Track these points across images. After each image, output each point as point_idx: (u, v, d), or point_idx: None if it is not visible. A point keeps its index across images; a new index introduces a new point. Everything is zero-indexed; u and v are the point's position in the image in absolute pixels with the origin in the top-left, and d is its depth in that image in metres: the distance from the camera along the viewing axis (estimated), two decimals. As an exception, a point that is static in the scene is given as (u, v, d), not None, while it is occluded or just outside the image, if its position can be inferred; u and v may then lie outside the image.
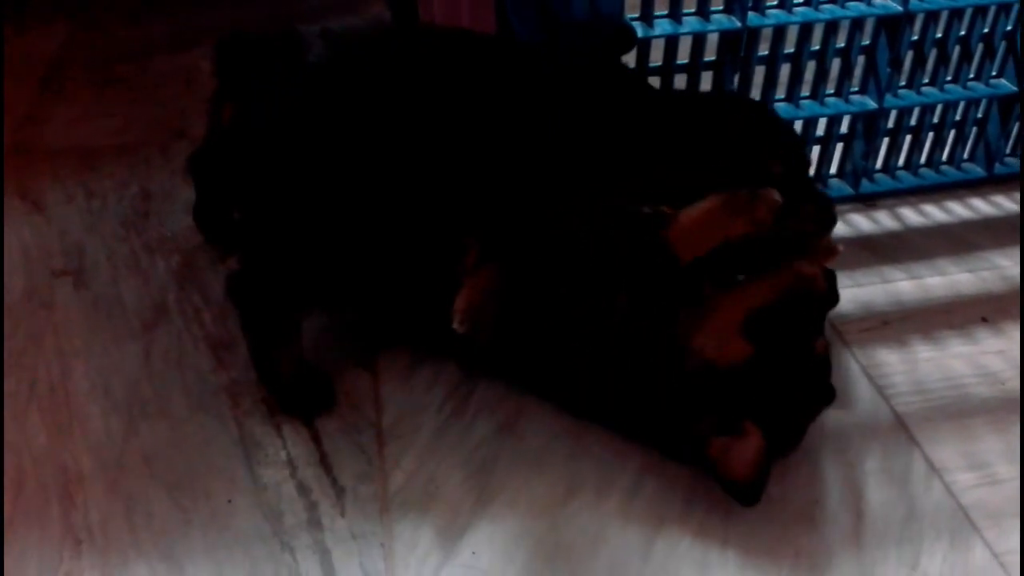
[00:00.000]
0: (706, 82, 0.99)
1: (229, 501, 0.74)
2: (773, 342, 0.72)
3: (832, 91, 1.03)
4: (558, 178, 0.78)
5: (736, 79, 0.98)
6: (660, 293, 0.73)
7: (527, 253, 0.76)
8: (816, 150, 1.08)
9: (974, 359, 0.88)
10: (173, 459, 0.77)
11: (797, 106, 1.02)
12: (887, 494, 0.75)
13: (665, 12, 0.93)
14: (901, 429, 0.81)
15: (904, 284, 0.97)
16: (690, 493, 0.75)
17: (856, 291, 0.96)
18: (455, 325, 0.75)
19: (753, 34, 0.95)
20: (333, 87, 0.78)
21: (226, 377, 0.86)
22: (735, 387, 0.72)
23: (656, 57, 0.95)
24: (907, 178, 1.11)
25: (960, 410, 0.83)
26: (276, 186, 0.78)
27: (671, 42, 0.94)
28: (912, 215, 1.08)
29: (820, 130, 1.06)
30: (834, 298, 0.79)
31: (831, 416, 0.81)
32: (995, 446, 0.79)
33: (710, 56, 0.97)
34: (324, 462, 0.77)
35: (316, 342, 0.88)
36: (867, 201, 1.09)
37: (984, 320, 0.92)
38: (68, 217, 1.07)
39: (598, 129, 0.81)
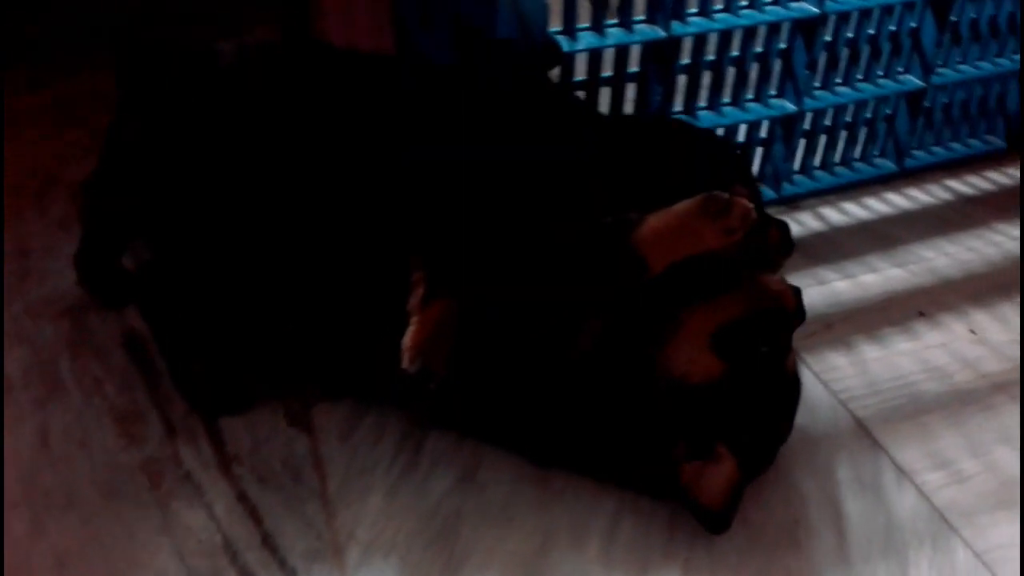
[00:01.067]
0: (631, 92, 0.97)
1: (163, 602, 0.65)
2: (744, 358, 0.70)
3: (752, 96, 1.03)
4: (504, 203, 0.72)
5: (660, 89, 0.95)
6: (632, 314, 0.69)
7: (482, 283, 0.70)
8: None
9: (919, 355, 0.88)
10: (90, 558, 0.67)
11: (720, 113, 1.01)
12: (864, 504, 0.73)
13: (588, 24, 0.90)
14: (864, 434, 0.80)
15: (840, 284, 0.97)
16: (670, 529, 0.71)
17: (797, 295, 0.95)
18: (404, 364, 0.69)
19: (675, 43, 0.93)
20: (254, 102, 0.71)
21: (139, 455, 0.76)
22: (706, 406, 0.69)
23: (580, 71, 0.91)
24: (824, 177, 1.12)
25: (915, 408, 0.82)
26: (190, 202, 0.71)
27: (595, 55, 0.91)
28: (834, 214, 1.08)
29: (741, 135, 1.05)
30: (801, 314, 0.77)
31: (796, 427, 0.79)
32: (955, 442, 0.79)
33: (634, 67, 0.94)
34: (268, 543, 0.69)
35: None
36: (789, 203, 1.09)
37: (921, 314, 0.93)
38: (-71, 285, 0.93)
39: (538, 152, 0.76)
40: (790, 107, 1.02)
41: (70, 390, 0.81)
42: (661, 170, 0.79)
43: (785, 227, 0.75)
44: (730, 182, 0.76)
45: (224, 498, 0.72)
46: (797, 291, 0.75)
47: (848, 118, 1.09)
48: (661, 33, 0.90)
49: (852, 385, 0.84)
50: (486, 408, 0.74)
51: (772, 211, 1.06)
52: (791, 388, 0.74)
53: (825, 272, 0.99)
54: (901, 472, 0.76)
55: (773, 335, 0.72)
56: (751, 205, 0.68)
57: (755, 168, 1.09)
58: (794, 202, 1.09)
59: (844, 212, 1.08)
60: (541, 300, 0.70)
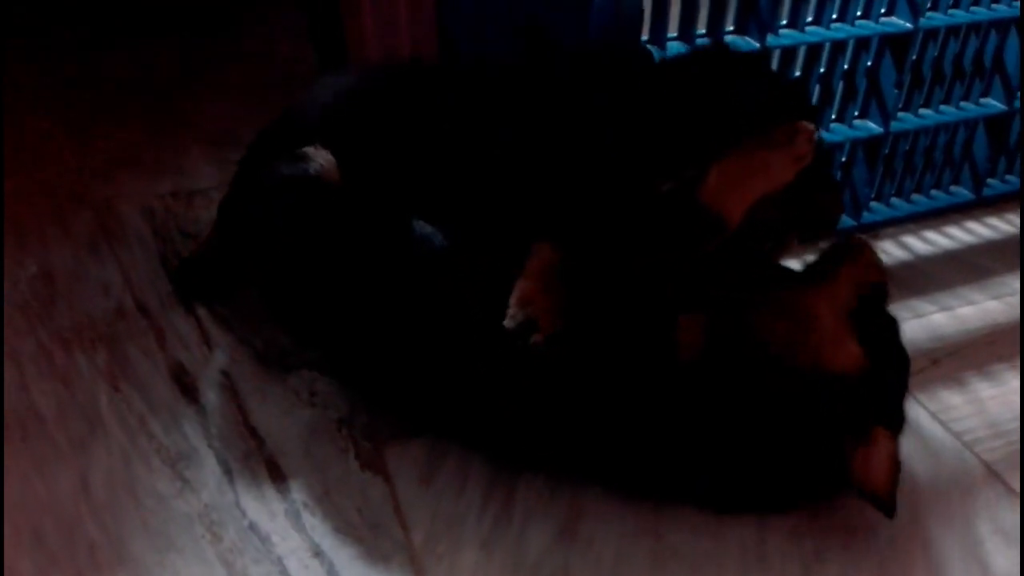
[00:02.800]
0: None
1: (236, 677, 0.56)
2: (873, 340, 0.66)
3: (834, 116, 0.97)
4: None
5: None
6: (732, 299, 0.63)
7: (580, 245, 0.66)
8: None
9: (1036, 393, 0.82)
10: (147, 627, 0.58)
11: (804, 133, 0.94)
12: (1011, 559, 0.66)
13: (676, 34, 0.83)
14: (997, 480, 0.72)
15: (938, 317, 0.90)
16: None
17: (893, 329, 0.88)
18: (506, 321, 0.63)
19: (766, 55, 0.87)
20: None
21: (196, 502, 0.67)
22: (860, 394, 0.65)
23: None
24: (901, 205, 1.06)
25: (1044, 450, 0.75)
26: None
27: (685, 66, 0.84)
28: (918, 243, 1.02)
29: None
30: (887, 276, 0.72)
31: (923, 473, 0.72)
32: (1093, 486, 0.72)
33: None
34: (351, 604, 0.60)
35: (308, 442, 0.72)
36: (869, 232, 1.03)
37: (1030, 349, 0.87)
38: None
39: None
40: (875, 128, 0.96)
41: (111, 429, 0.72)
42: (715, 110, 0.73)
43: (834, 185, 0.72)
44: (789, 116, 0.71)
45: (296, 554, 0.63)
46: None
47: (927, 142, 1.04)
48: (755, 44, 0.84)
49: (973, 426, 0.77)
50: (587, 431, 0.66)
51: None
52: (901, 347, 0.70)
53: (920, 304, 0.92)
54: (1044, 522, 0.69)
55: (882, 308, 0.69)
56: (810, 125, 0.64)
57: (832, 194, 1.03)
58: (874, 231, 1.03)
59: (928, 241, 1.02)
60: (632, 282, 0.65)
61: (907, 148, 1.03)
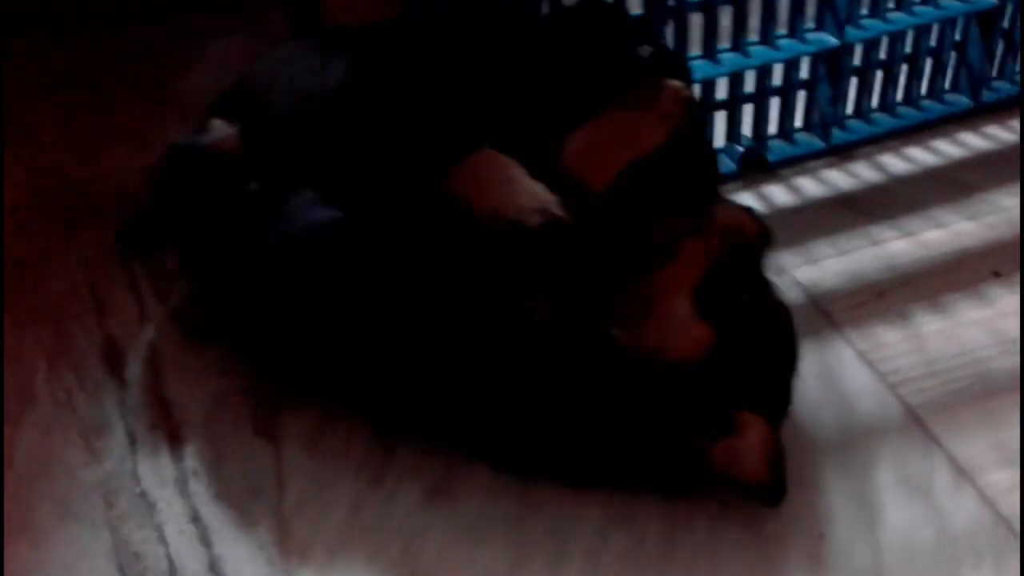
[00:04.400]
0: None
1: (97, 637, 0.60)
2: (730, 313, 0.60)
3: (784, 32, 0.89)
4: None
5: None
6: (584, 275, 0.60)
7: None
8: (776, 103, 0.93)
9: (991, 324, 0.73)
10: (35, 588, 0.63)
11: (746, 54, 0.87)
12: (909, 513, 0.60)
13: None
14: (915, 424, 0.66)
15: (898, 244, 0.83)
16: (665, 545, 0.60)
17: (841, 261, 0.81)
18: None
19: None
20: None
21: (100, 471, 0.71)
22: (712, 379, 0.59)
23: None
24: (884, 120, 0.96)
25: (983, 391, 0.68)
26: None
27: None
28: (896, 162, 0.93)
29: (777, 79, 0.91)
30: (766, 237, 0.65)
31: (829, 419, 0.67)
32: (1032, 432, 0.65)
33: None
34: (214, 569, 0.63)
35: (212, 411, 0.74)
36: (841, 153, 0.94)
37: (996, 275, 0.78)
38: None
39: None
40: (831, 41, 0.88)
41: (41, 405, 0.78)
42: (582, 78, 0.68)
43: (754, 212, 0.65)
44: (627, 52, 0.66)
45: (176, 519, 0.66)
46: (752, 212, 0.66)
47: (907, 49, 0.93)
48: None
49: (905, 365, 0.71)
50: (449, 397, 0.65)
51: (820, 164, 0.93)
52: (783, 318, 0.64)
53: (881, 231, 0.84)
54: (960, 472, 0.62)
55: (748, 276, 0.62)
56: (678, 83, 0.60)
57: (798, 117, 0.95)
58: (847, 151, 0.94)
59: (907, 159, 0.93)
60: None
61: (883, 58, 0.93)
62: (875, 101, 0.96)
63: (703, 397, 0.58)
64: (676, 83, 0.62)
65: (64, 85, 1.27)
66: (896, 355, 0.72)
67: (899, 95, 0.96)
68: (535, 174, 0.62)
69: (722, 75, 0.87)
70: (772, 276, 0.68)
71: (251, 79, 0.83)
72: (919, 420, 0.66)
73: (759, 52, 0.87)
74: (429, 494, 0.66)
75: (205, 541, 0.65)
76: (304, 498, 0.67)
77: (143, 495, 0.69)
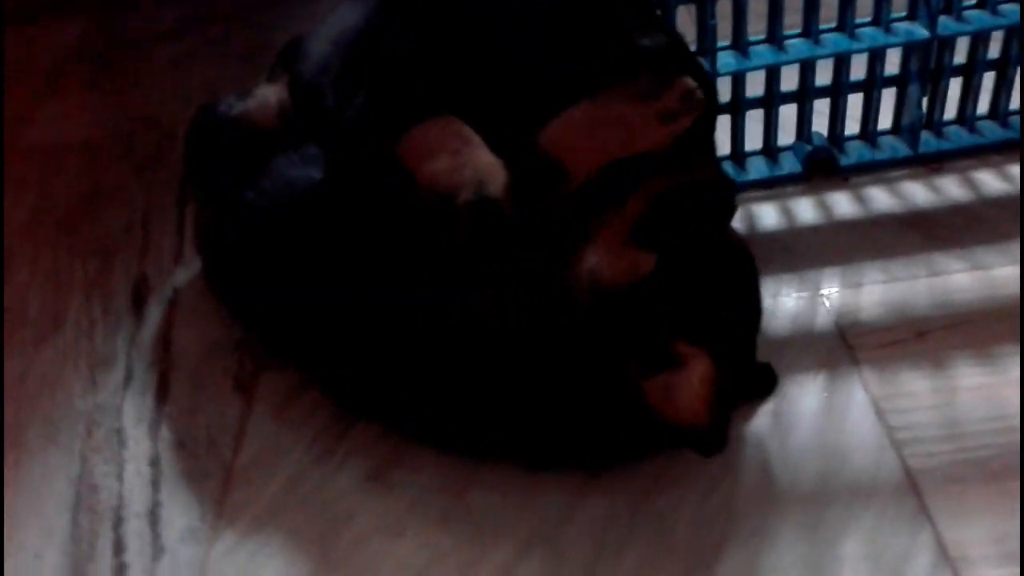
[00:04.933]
0: (685, 31, 0.76)
1: (36, 556, 0.63)
2: (675, 243, 0.54)
3: (868, 19, 0.77)
4: None
5: (729, 8, 0.75)
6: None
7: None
8: (857, 100, 0.82)
9: (1047, 388, 0.62)
10: (6, 501, 0.67)
11: (816, 41, 0.77)
12: (867, 592, 0.52)
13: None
14: (910, 492, 0.57)
15: (960, 278, 0.71)
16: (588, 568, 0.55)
17: (888, 288, 0.71)
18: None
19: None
20: None
21: (92, 402, 0.74)
22: (644, 304, 0.53)
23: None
24: (991, 130, 0.83)
25: (1005, 468, 0.57)
26: None
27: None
28: (993, 181, 0.80)
29: (858, 72, 0.80)
30: (728, 195, 0.58)
31: (814, 465, 0.59)
32: (1053, 525, 0.54)
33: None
34: (154, 514, 0.64)
35: (204, 358, 0.76)
36: (931, 164, 0.82)
37: (1072, 330, 0.65)
38: (10, 220, 1.00)
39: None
40: (921, 32, 0.75)
41: (66, 331, 0.83)
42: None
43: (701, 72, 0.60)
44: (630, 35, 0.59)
45: (138, 459, 0.69)
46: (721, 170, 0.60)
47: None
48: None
49: (921, 422, 0.61)
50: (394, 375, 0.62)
51: (903, 174, 0.82)
52: (743, 261, 0.58)
53: (946, 260, 0.73)
54: (944, 558, 0.53)
55: (704, 210, 0.55)
56: (693, 83, 0.52)
57: (885, 118, 0.83)
58: (938, 163, 0.82)
59: (1008, 178, 0.79)
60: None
61: (996, 57, 0.80)
62: (983, 107, 0.83)
63: (639, 326, 0.53)
64: (687, 80, 0.55)
65: (177, 33, 1.34)
66: (914, 408, 0.62)
67: (1013, 102, 0.82)
68: (507, 150, 0.57)
69: (788, 63, 0.77)
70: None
71: (306, 35, 0.83)
72: (916, 488, 0.57)
73: (833, 40, 0.77)
74: (368, 477, 0.64)
75: (155, 485, 0.67)
76: (255, 460, 0.67)
77: (119, 431, 0.72)
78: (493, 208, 0.52)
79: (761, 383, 0.63)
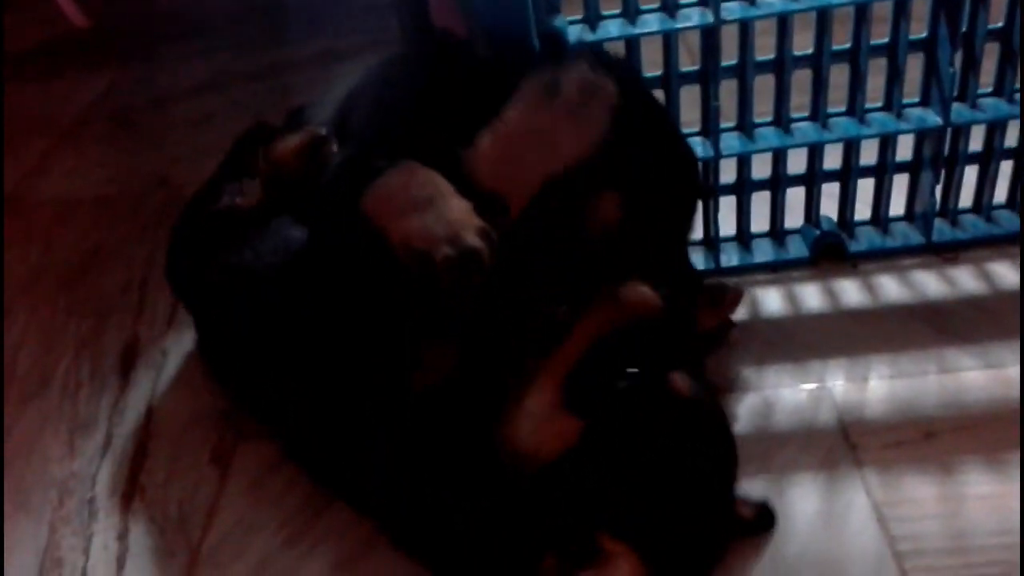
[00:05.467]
0: (688, 104, 0.75)
1: (-8, 635, 0.60)
2: (604, 403, 0.49)
3: (879, 104, 0.76)
4: None
5: (718, 91, 0.73)
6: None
7: None
8: (868, 184, 0.80)
9: (1063, 502, 0.57)
10: (-35, 573, 0.65)
11: (824, 126, 0.75)
12: None
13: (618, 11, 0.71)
14: (911, 613, 0.53)
15: (973, 376, 0.67)
16: None
17: (896, 384, 0.67)
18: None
19: (743, 28, 0.70)
20: None
21: (68, 469, 0.73)
22: (568, 488, 0.49)
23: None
24: (1009, 220, 0.80)
25: (1018, 588, 0.53)
26: None
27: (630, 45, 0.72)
28: (1009, 274, 0.76)
29: (869, 157, 0.78)
30: (685, 321, 0.55)
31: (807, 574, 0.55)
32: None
33: (688, 66, 0.74)
34: (115, 593, 0.62)
35: (185, 427, 0.74)
36: (944, 253, 0.79)
37: (1092, 439, 0.61)
38: (14, 274, 1.00)
39: None
40: (933, 119, 0.73)
41: (52, 392, 0.81)
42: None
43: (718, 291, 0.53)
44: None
45: (107, 533, 0.66)
46: (663, 291, 0.52)
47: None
48: (710, 19, 0.69)
49: (925, 532, 0.57)
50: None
51: (915, 263, 0.79)
52: (704, 421, 0.51)
53: (958, 356, 0.69)
54: None
55: (640, 358, 0.50)
56: (589, 69, 0.49)
57: (896, 204, 0.80)
58: (952, 253, 0.79)
59: (1026, 272, 0.76)
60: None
61: (1014, 145, 0.77)
62: (1000, 196, 0.80)
63: (559, 513, 0.48)
64: (582, 66, 0.50)
65: (199, 92, 1.36)
66: (919, 517, 0.58)
67: (1033, 193, 0.79)
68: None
69: (795, 147, 0.75)
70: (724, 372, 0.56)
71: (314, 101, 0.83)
72: (917, 606, 0.53)
73: (843, 125, 0.75)
74: (337, 565, 0.61)
75: (120, 562, 0.64)
76: (224, 539, 0.64)
77: (92, 500, 0.69)
78: (473, 258, 0.48)
79: (759, 521, 0.57)
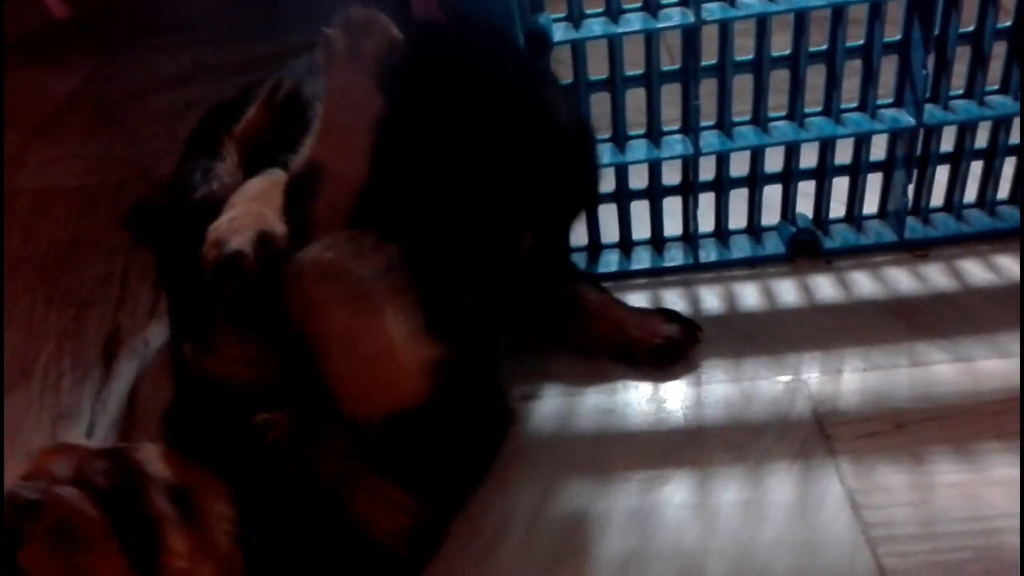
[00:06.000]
0: (669, 102, 0.77)
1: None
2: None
3: (854, 105, 0.77)
4: None
5: (698, 91, 0.75)
6: None
7: None
8: (843, 183, 0.82)
9: (1029, 489, 0.59)
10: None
11: (801, 125, 0.77)
12: None
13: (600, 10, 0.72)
14: (882, 596, 0.54)
15: (943, 369, 0.69)
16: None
17: (868, 377, 0.69)
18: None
19: (723, 29, 0.72)
20: None
21: (50, 459, 0.73)
22: None
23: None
24: (979, 219, 0.82)
25: (984, 571, 0.55)
26: None
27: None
28: (979, 271, 0.78)
29: (843, 156, 0.80)
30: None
31: (784, 558, 0.56)
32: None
33: (669, 65, 0.75)
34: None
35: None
36: (916, 251, 0.81)
37: (1057, 429, 0.63)
38: (-6, 263, 1.00)
39: None
40: (906, 120, 0.75)
41: (34, 381, 0.81)
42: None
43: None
44: None
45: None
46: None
47: (1013, 138, 0.79)
48: (690, 19, 0.70)
49: (898, 519, 0.59)
50: None
51: (887, 259, 0.81)
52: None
53: (928, 350, 0.71)
54: (914, 667, 0.50)
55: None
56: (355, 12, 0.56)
57: (870, 203, 0.83)
58: (923, 250, 0.81)
59: (995, 269, 0.78)
60: None
61: (984, 147, 0.80)
62: (971, 195, 0.82)
63: None
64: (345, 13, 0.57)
65: (177, 83, 1.35)
66: (892, 504, 0.59)
67: (1002, 192, 0.82)
68: None
69: (772, 145, 0.77)
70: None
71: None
72: (888, 589, 0.54)
73: (818, 124, 0.77)
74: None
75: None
76: (209, 527, 0.65)
77: (74, 491, 0.69)
78: (232, 264, 0.53)
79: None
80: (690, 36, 0.72)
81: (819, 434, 0.65)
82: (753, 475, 0.63)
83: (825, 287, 0.79)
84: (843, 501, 0.60)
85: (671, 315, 0.74)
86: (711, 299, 0.79)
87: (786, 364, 0.71)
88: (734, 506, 0.61)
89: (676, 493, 0.62)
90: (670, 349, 0.72)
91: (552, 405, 0.71)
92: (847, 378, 0.69)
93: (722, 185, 0.80)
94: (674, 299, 0.79)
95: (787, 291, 0.79)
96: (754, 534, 0.59)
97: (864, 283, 0.79)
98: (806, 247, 0.82)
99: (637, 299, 0.80)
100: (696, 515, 0.61)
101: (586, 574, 0.58)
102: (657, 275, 0.82)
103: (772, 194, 0.82)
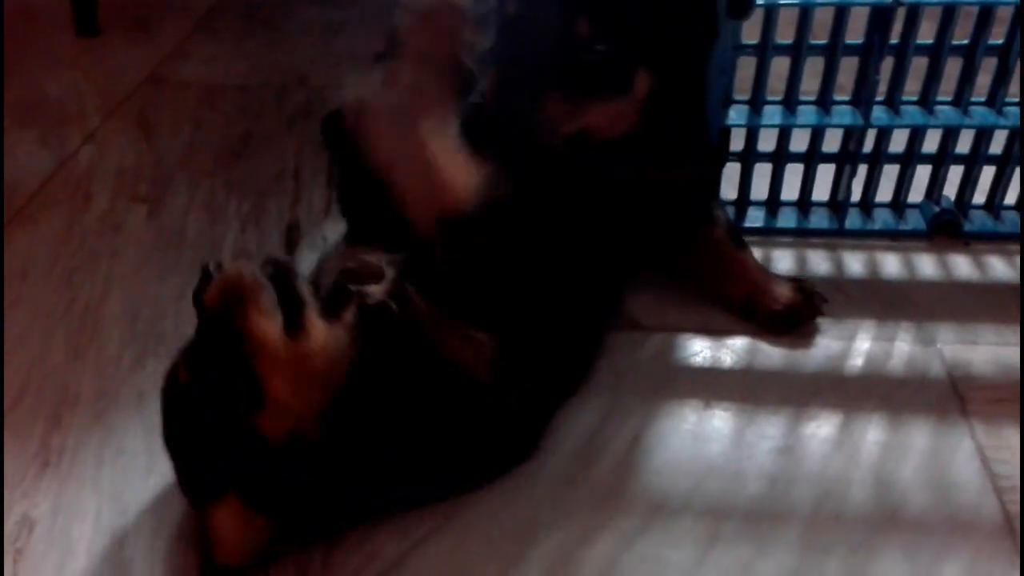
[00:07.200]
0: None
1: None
2: None
3: (983, 98, 0.83)
4: None
5: (879, 66, 0.80)
6: None
7: None
8: (988, 173, 0.87)
9: None
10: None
11: (965, 112, 0.82)
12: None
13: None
14: (1007, 535, 0.62)
15: (1071, 349, 0.75)
16: None
17: (999, 351, 0.76)
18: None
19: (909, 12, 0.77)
20: None
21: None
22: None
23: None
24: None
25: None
26: None
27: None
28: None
29: (963, 146, 0.85)
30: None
31: (919, 497, 0.64)
32: None
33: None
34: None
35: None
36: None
37: None
38: (170, 148, 1.08)
39: None
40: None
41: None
42: None
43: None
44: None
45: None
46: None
47: None
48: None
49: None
50: None
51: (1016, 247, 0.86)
52: None
53: (1057, 331, 0.77)
54: (1038, 596, 0.58)
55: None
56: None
57: (980, 193, 0.88)
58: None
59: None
60: None
61: None
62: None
63: None
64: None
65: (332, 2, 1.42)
66: (1018, 461, 0.66)
67: None
68: None
69: (934, 127, 0.83)
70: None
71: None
72: (1013, 532, 0.62)
73: (980, 113, 0.82)
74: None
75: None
76: None
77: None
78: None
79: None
80: (882, 15, 0.77)
81: (953, 394, 0.72)
82: (892, 421, 0.70)
83: (962, 266, 0.85)
84: (974, 453, 0.67)
85: (800, 286, 0.79)
86: (855, 264, 0.85)
87: (924, 330, 0.78)
88: (874, 445, 0.68)
89: (821, 428, 0.70)
90: (790, 317, 0.77)
91: (700, 345, 0.78)
92: (980, 350, 0.76)
93: (880, 158, 0.85)
94: (819, 260, 0.86)
95: (926, 265, 0.85)
96: (893, 471, 0.66)
97: (1000, 267, 0.85)
98: (946, 227, 0.87)
99: (782, 256, 0.86)
100: (839, 449, 0.68)
101: (738, 484, 0.66)
102: (801, 235, 0.88)
103: (918, 173, 0.88)
